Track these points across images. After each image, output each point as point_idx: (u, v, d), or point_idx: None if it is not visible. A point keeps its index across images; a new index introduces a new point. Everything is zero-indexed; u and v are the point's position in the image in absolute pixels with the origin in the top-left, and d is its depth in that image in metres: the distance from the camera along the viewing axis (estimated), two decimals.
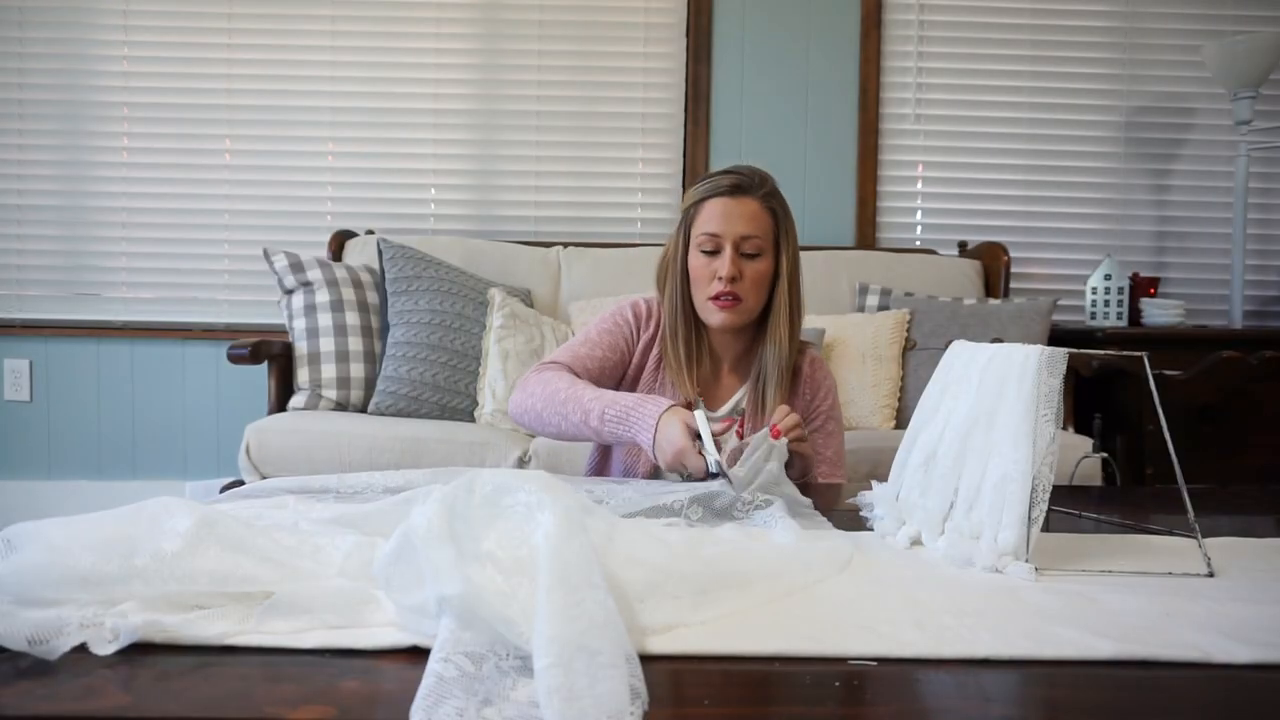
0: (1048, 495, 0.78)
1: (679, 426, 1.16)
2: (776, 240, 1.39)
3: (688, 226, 1.39)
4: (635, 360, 1.45)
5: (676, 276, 1.40)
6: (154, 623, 0.55)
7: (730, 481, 1.02)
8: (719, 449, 1.12)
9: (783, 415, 1.16)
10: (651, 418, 1.20)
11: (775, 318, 1.39)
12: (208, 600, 0.59)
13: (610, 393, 1.28)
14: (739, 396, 1.43)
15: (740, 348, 1.44)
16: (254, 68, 2.98)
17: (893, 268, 2.75)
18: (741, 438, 1.21)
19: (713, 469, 1.09)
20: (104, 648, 0.54)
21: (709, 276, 1.35)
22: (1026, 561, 0.76)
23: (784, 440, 1.08)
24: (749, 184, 1.37)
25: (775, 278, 1.39)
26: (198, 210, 2.99)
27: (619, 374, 1.44)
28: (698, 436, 1.14)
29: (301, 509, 0.81)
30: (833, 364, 2.44)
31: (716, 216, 1.35)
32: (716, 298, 1.34)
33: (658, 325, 1.45)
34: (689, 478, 1.17)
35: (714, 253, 1.35)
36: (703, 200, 1.37)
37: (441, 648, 0.50)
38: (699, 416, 1.16)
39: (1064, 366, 0.82)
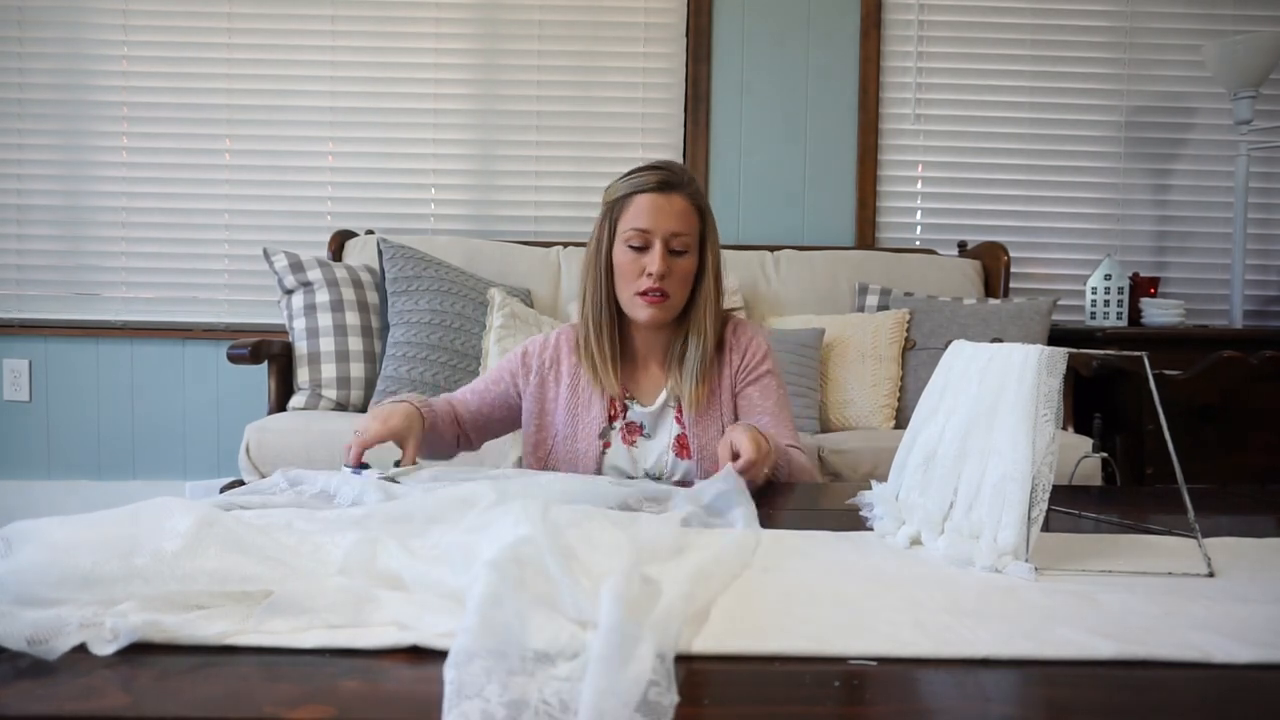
0: (1047, 495, 0.78)
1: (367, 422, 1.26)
2: (701, 237, 1.40)
3: (613, 221, 1.38)
4: (532, 394, 1.45)
5: (600, 271, 1.40)
6: (154, 623, 0.55)
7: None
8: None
9: (739, 464, 1.12)
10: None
11: (699, 312, 1.40)
12: (208, 600, 0.59)
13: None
14: (667, 391, 1.43)
15: (664, 341, 1.45)
16: (254, 68, 2.98)
17: (893, 268, 2.75)
18: (682, 425, 1.28)
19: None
20: (104, 648, 0.54)
21: (637, 272, 1.36)
22: (1026, 561, 0.76)
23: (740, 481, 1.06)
24: (677, 181, 1.37)
25: (699, 274, 1.40)
26: (198, 210, 2.99)
27: (504, 411, 1.47)
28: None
29: (305, 510, 0.82)
30: (833, 364, 2.44)
31: (645, 212, 1.35)
32: (645, 293, 1.35)
33: (555, 354, 1.46)
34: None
35: (642, 249, 1.35)
36: (631, 195, 1.37)
37: (466, 633, 0.50)
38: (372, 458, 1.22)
39: (1064, 366, 0.82)
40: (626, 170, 1.41)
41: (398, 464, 1.22)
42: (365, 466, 1.16)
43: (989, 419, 0.84)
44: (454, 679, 0.46)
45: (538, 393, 1.45)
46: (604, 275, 1.39)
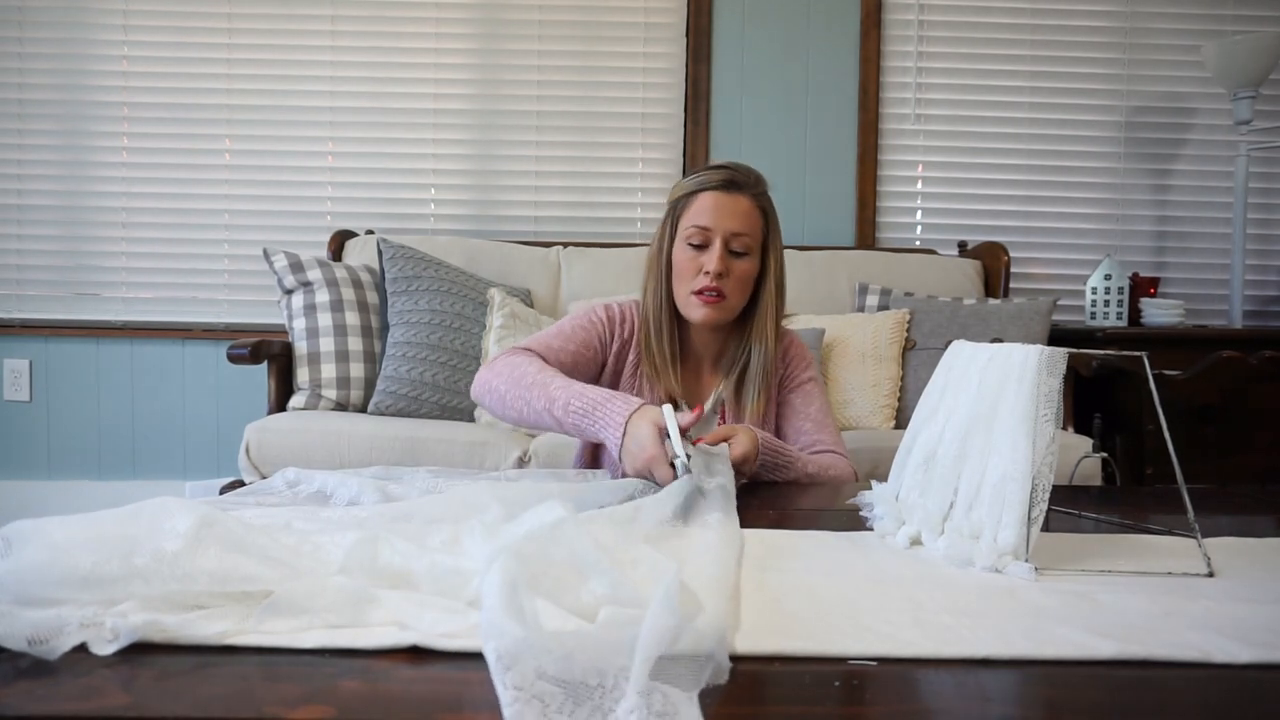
0: (1047, 495, 0.78)
1: (650, 430, 1.05)
2: (764, 241, 1.37)
3: (675, 219, 1.37)
4: (609, 365, 1.42)
5: (661, 270, 1.38)
6: (154, 623, 0.55)
7: (690, 475, 0.98)
8: (688, 442, 1.06)
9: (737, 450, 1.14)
10: (620, 416, 1.11)
11: (761, 319, 1.38)
12: (208, 600, 0.59)
13: (580, 384, 1.22)
14: (718, 391, 1.41)
15: (719, 345, 1.43)
16: (254, 68, 2.99)
17: (893, 268, 2.75)
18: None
19: (680, 474, 0.99)
20: (104, 648, 0.54)
21: (694, 270, 1.33)
22: (1026, 561, 0.76)
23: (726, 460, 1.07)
24: (743, 181, 1.35)
25: (761, 278, 1.38)
26: (198, 210, 2.99)
27: (590, 374, 1.40)
28: (668, 435, 1.04)
29: (305, 509, 0.81)
30: (832, 364, 2.44)
31: (708, 210, 1.33)
32: (700, 292, 1.33)
33: (631, 330, 1.42)
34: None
35: (702, 246, 1.33)
36: (695, 193, 1.35)
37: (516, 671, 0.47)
38: (668, 413, 1.05)
39: (1064, 366, 0.81)
40: (694, 169, 1.38)
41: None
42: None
43: (989, 419, 0.83)
44: (495, 648, 0.46)
45: (615, 361, 1.42)
46: (664, 273, 1.37)
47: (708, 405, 1.41)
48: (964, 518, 0.82)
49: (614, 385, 1.42)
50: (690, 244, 1.34)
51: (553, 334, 1.39)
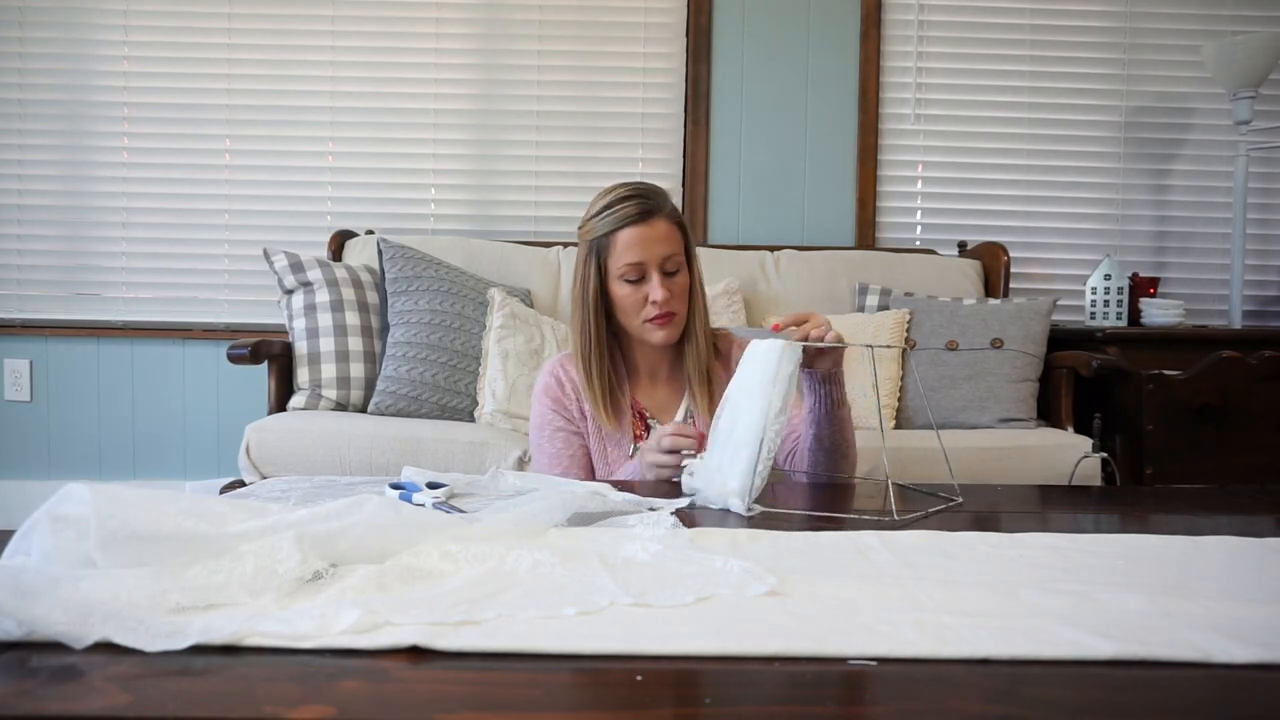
0: (773, 453, 1.00)
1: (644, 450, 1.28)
2: (687, 250, 1.43)
3: (600, 259, 1.40)
4: (581, 426, 1.47)
5: (591, 306, 1.41)
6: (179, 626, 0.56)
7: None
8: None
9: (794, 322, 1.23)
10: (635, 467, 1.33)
11: (694, 321, 1.44)
12: (217, 594, 0.60)
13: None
14: (687, 404, 1.47)
15: (669, 355, 1.48)
16: (254, 68, 2.98)
17: (893, 268, 2.75)
18: (700, 440, 1.24)
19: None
20: (131, 639, 0.54)
21: (639, 303, 1.39)
22: (745, 502, 0.96)
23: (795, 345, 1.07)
24: (656, 205, 1.39)
25: (690, 284, 1.44)
26: (198, 210, 2.99)
27: (584, 444, 1.46)
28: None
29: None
30: None
31: (635, 245, 1.37)
32: (653, 319, 1.39)
33: (573, 384, 1.46)
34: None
35: (639, 280, 1.38)
36: (615, 231, 1.38)
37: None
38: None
39: (798, 355, 1.04)
40: (599, 203, 1.40)
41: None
42: (435, 486, 1.02)
43: (748, 395, 1.04)
44: None
45: (582, 420, 1.47)
46: (598, 312, 1.41)
47: (678, 417, 1.47)
48: (721, 470, 1.02)
49: (590, 436, 1.46)
50: (627, 280, 1.38)
51: (548, 465, 1.44)
